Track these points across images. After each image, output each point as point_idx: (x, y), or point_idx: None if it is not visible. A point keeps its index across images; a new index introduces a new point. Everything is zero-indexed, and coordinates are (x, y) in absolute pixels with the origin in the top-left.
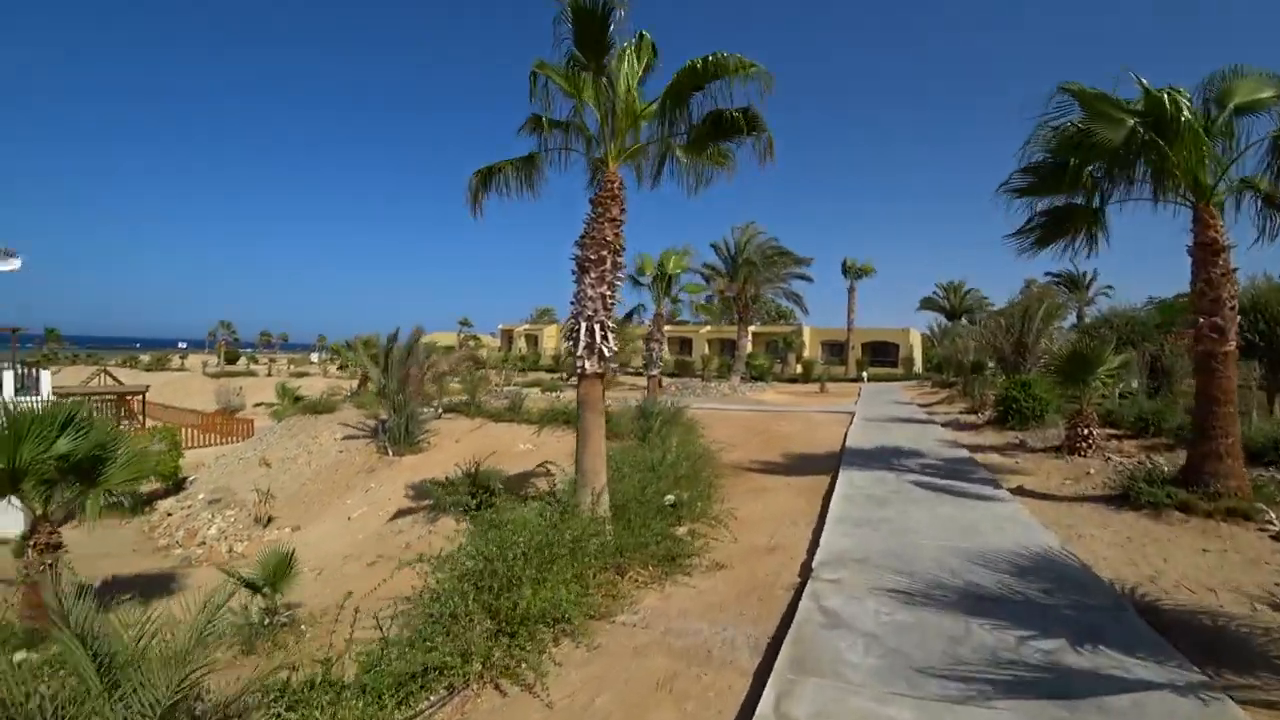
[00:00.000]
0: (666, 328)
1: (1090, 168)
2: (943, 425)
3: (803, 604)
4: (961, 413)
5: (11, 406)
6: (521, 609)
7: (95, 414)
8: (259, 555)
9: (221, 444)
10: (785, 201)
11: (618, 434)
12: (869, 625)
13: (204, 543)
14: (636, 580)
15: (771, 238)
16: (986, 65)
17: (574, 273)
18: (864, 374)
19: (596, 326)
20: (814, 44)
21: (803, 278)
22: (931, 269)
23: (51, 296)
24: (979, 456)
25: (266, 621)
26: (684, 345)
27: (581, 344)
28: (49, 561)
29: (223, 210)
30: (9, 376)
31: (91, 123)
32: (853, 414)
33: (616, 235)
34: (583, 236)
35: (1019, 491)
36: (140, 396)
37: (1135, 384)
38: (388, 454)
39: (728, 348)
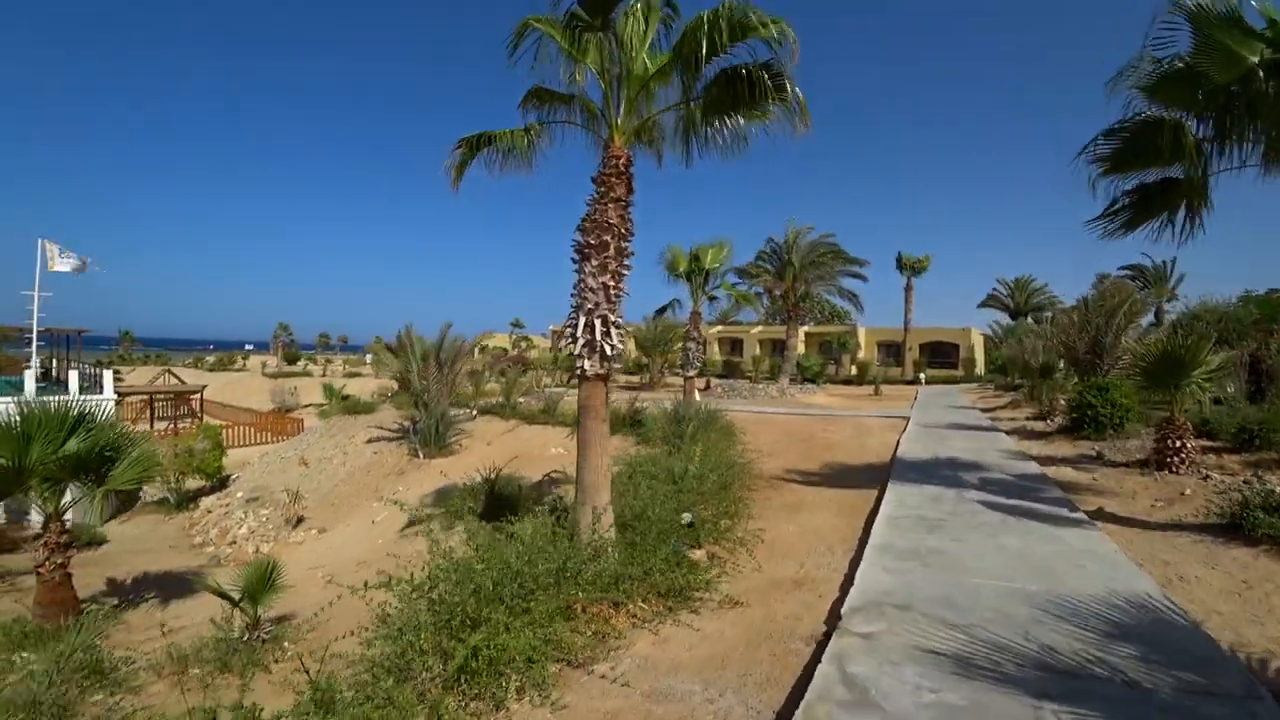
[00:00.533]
0: (717, 328)
1: (1197, 123)
2: (1007, 433)
3: (822, 668)
4: (1028, 419)
5: (27, 405)
6: (485, 652)
7: (111, 414)
8: (245, 571)
9: (273, 442)
10: (838, 195)
11: (649, 440)
12: (905, 706)
13: (234, 542)
14: (634, 616)
15: (824, 234)
16: (1060, 37)
17: (573, 260)
18: (921, 376)
19: (597, 322)
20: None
21: (857, 276)
22: (993, 265)
23: (130, 300)
24: (1050, 471)
25: (246, 637)
26: (735, 346)
27: (580, 341)
28: (59, 561)
29: (296, 213)
30: (74, 376)
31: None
32: (907, 419)
33: (622, 218)
34: (584, 220)
35: (1100, 516)
36: (198, 395)
37: (1230, 388)
38: (418, 456)
39: (779, 348)
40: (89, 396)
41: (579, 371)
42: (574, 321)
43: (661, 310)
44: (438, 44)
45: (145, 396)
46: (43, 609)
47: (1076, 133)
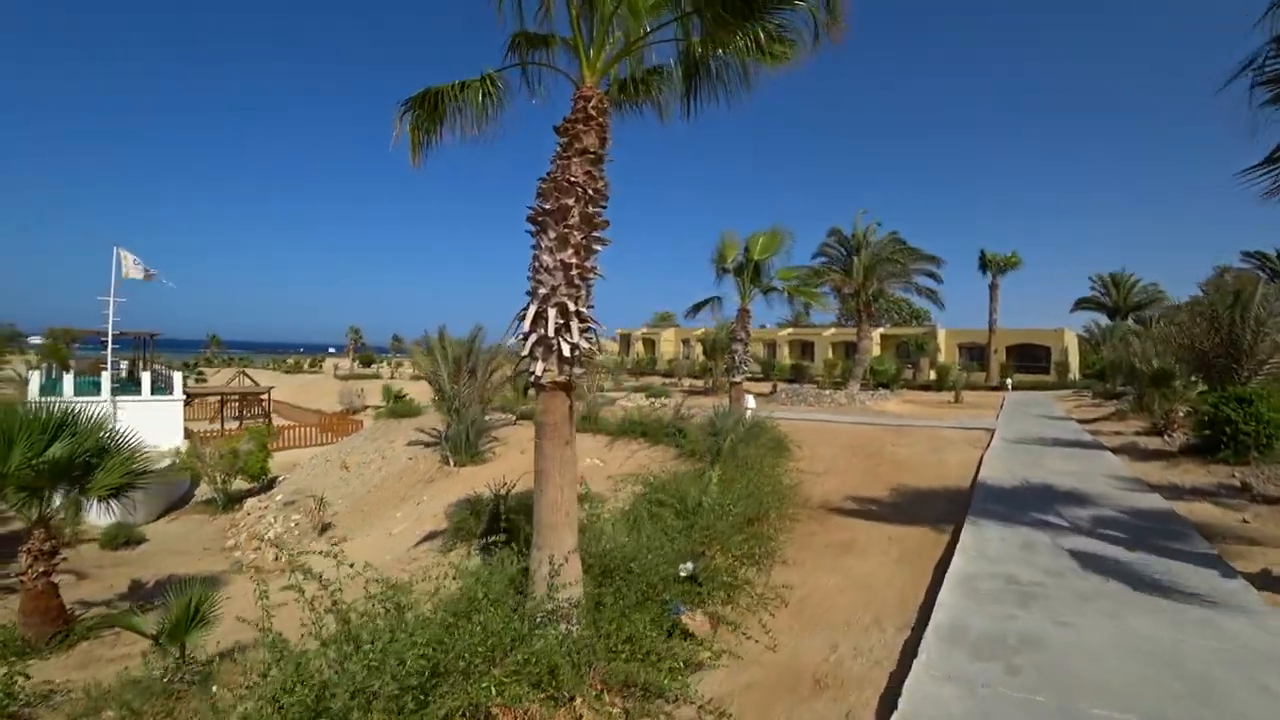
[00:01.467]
0: (787, 330)
1: None
2: (1115, 452)
3: None
4: (1139, 434)
5: (15, 407)
6: None
7: (103, 416)
8: (172, 604)
9: (331, 443)
10: (913, 190)
11: (695, 453)
12: None
13: (259, 547)
14: None
15: (893, 232)
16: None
17: (529, 233)
18: (1008, 381)
19: (553, 311)
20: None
21: (932, 275)
22: (1088, 262)
23: (221, 304)
24: (1181, 507)
25: (167, 679)
26: (805, 349)
27: (530, 338)
28: (42, 569)
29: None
30: (146, 377)
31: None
32: (992, 432)
33: (590, 175)
34: (542, 180)
35: (1270, 582)
36: (265, 396)
37: None
38: (448, 464)
39: (852, 351)
40: (159, 397)
41: (531, 379)
42: (523, 312)
43: (698, 307)
44: None
45: (217, 397)
46: (26, 618)
47: (1201, 112)
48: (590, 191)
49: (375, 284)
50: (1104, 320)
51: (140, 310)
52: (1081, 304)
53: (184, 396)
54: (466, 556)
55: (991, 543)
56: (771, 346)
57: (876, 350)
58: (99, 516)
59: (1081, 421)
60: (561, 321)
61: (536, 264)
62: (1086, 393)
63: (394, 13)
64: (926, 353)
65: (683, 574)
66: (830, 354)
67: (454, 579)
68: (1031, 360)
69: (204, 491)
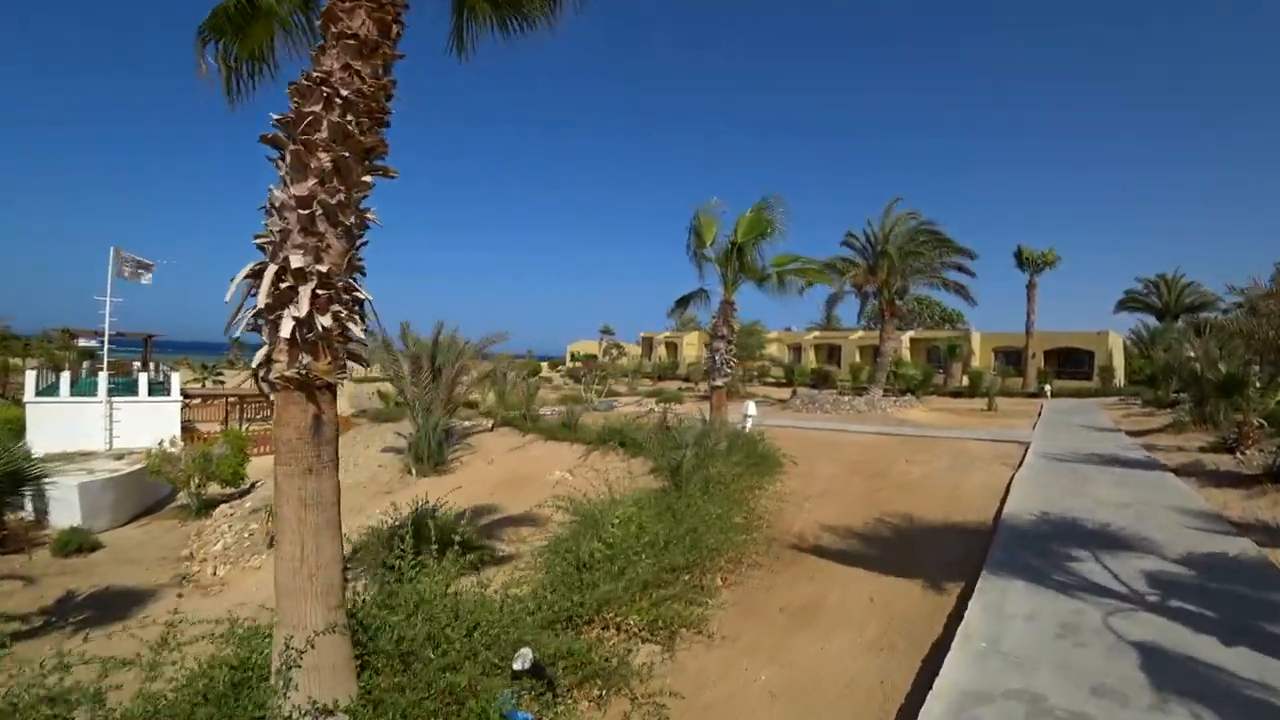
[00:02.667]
0: (813, 334)
1: None
2: (1178, 474)
3: None
4: (1203, 450)
5: None
6: None
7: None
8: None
9: None
10: (944, 184)
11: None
12: None
13: (206, 559)
14: None
15: (923, 221)
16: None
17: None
18: (1046, 387)
19: (272, 270)
20: None
21: (963, 270)
22: (1133, 263)
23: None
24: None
25: None
26: (832, 353)
27: (248, 307)
28: None
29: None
30: (144, 379)
31: None
32: (1026, 446)
33: (355, 73)
34: (290, 86)
35: None
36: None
37: None
38: (411, 474)
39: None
40: (157, 398)
41: (257, 374)
42: (253, 276)
43: (684, 301)
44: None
45: (221, 399)
46: None
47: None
48: (350, 95)
49: (416, 281)
50: (1152, 322)
51: (169, 311)
52: (1126, 303)
53: (182, 398)
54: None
55: (1013, 622)
56: (797, 350)
57: (906, 354)
58: (60, 519)
59: (1132, 434)
60: (288, 285)
61: (270, 204)
62: (1135, 400)
63: None
64: (959, 357)
65: (517, 668)
66: (857, 358)
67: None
68: (1073, 365)
69: (182, 496)
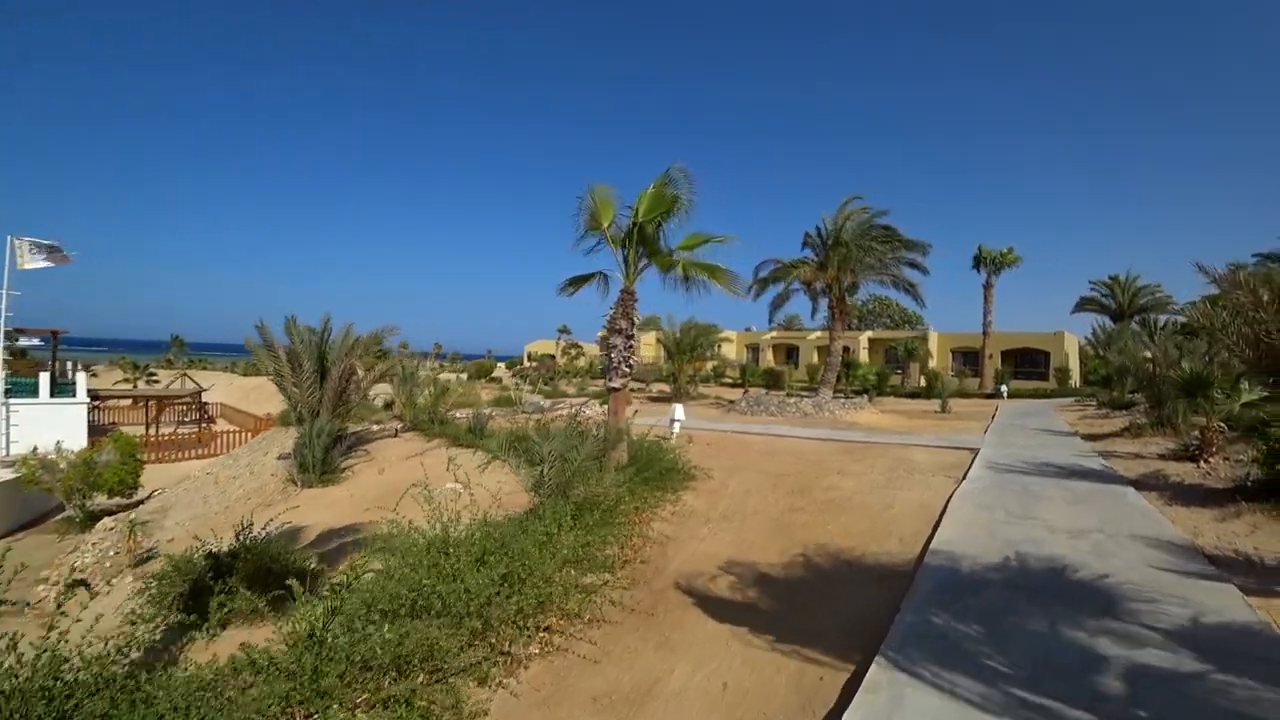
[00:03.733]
0: (771, 333)
1: None
2: (1138, 487)
3: None
4: (1164, 458)
5: None
6: None
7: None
8: None
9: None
10: (900, 182)
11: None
12: None
13: (56, 582)
14: None
15: (877, 212)
16: None
17: None
18: (1003, 388)
19: None
20: None
21: (916, 266)
22: (1090, 264)
23: (205, 305)
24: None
25: None
26: (790, 353)
27: None
28: None
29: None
30: (44, 378)
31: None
32: (975, 453)
33: None
34: None
35: None
36: (189, 399)
37: None
38: (295, 485)
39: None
40: (61, 399)
41: None
42: None
43: (576, 281)
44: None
45: (142, 399)
46: None
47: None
48: None
49: (373, 285)
50: (1108, 323)
51: (119, 312)
52: (1083, 306)
53: (90, 399)
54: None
55: None
56: (755, 350)
57: (864, 355)
58: None
59: (1088, 438)
60: None
61: None
62: (1091, 402)
63: None
64: (917, 357)
65: None
66: (815, 358)
67: None
68: (1030, 365)
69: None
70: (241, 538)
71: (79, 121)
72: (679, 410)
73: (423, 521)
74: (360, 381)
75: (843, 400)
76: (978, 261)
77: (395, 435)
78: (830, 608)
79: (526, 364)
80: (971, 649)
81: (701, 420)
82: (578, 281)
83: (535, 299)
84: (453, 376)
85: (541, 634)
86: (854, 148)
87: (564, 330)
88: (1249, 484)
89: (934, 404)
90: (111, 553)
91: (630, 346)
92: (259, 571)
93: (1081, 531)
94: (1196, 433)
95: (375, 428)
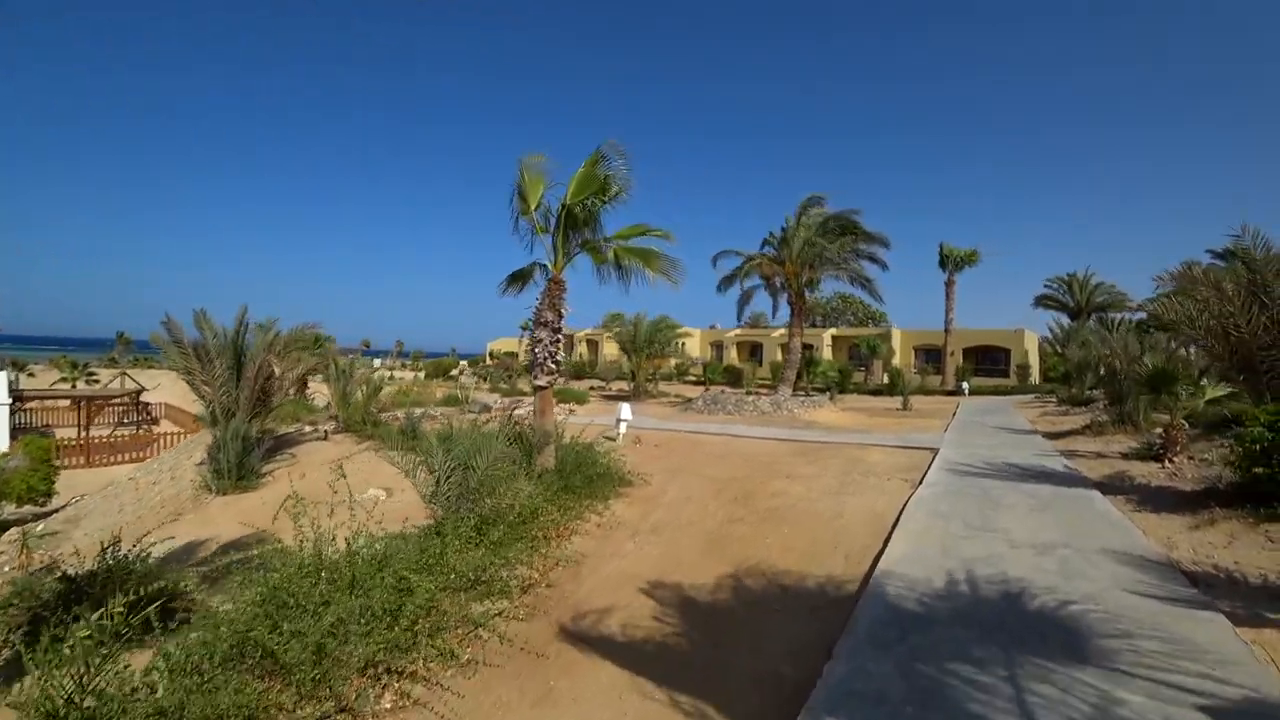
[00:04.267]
0: (735, 331)
1: None
2: (1104, 490)
3: None
4: (1127, 457)
5: None
6: None
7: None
8: None
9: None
10: (861, 180)
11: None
12: None
13: None
14: None
15: (842, 211)
16: None
17: None
18: (964, 385)
19: None
20: None
21: (876, 260)
22: (1050, 262)
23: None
24: (1270, 641)
25: None
26: (754, 351)
27: None
28: None
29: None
30: None
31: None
32: (934, 453)
33: None
34: None
35: None
36: (124, 399)
37: None
38: (211, 491)
39: (806, 351)
40: None
41: None
42: None
43: (516, 277)
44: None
45: (78, 400)
46: None
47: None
48: None
49: (374, 285)
50: (1067, 320)
51: (119, 313)
52: (1041, 303)
53: (10, 400)
54: None
55: None
56: (720, 347)
57: (828, 353)
58: None
59: (1049, 436)
60: None
61: None
62: (1051, 398)
63: None
64: (879, 355)
65: None
66: (779, 356)
67: None
68: (990, 363)
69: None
70: (107, 557)
71: (78, 121)
72: (625, 410)
73: (331, 535)
74: (281, 380)
75: (803, 398)
76: (941, 260)
77: (325, 438)
78: (753, 646)
79: (488, 362)
80: (913, 716)
81: (656, 419)
82: (518, 278)
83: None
84: (410, 375)
85: (403, 681)
86: (854, 148)
87: (526, 327)
88: (1220, 486)
89: (896, 401)
90: (5, 568)
91: (557, 341)
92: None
93: (1046, 546)
94: (1160, 431)
95: (308, 429)
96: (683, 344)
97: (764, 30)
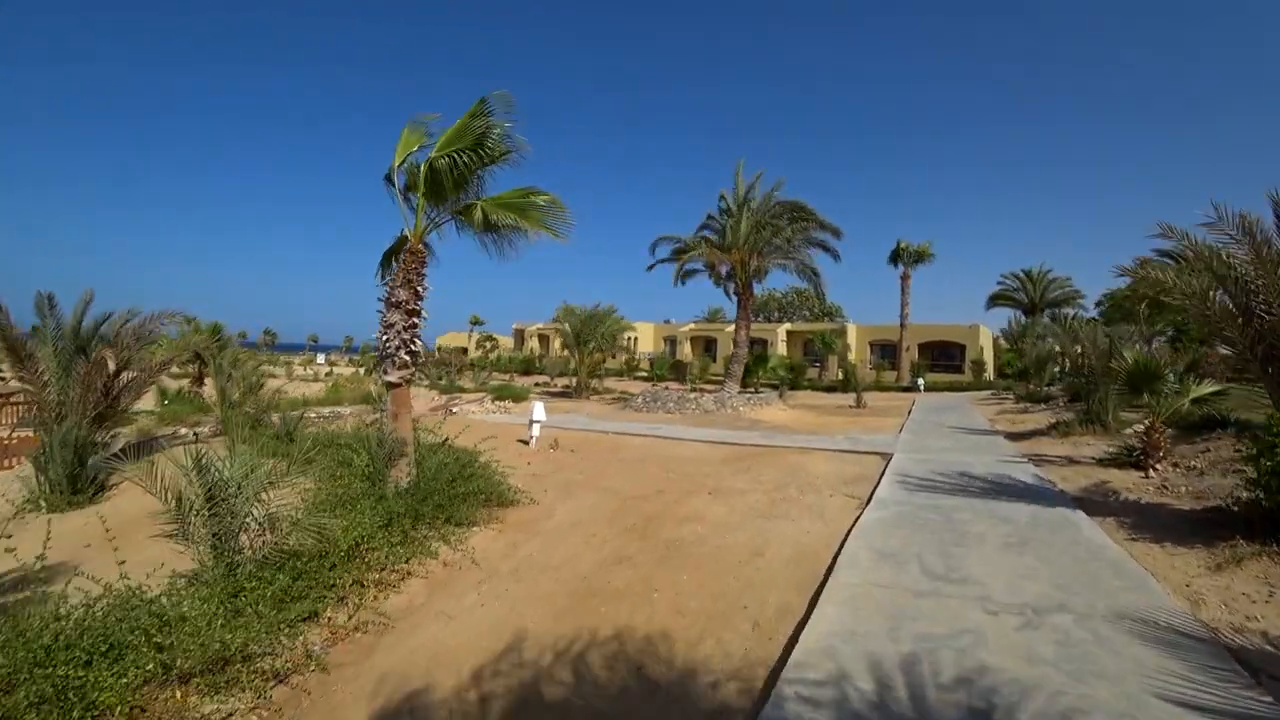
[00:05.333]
0: (689, 326)
1: None
2: (1088, 510)
3: None
4: (1104, 464)
5: None
6: None
7: None
8: None
9: None
10: (814, 174)
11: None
12: None
13: None
14: None
15: (781, 189)
16: None
17: None
18: (920, 381)
19: None
20: None
21: (826, 249)
22: (1005, 258)
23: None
24: None
25: None
26: (709, 346)
27: None
28: None
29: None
30: None
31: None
32: (887, 460)
33: None
34: None
35: None
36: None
37: None
38: (42, 507)
39: (758, 347)
40: None
41: None
42: None
43: (388, 256)
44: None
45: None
46: None
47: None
48: None
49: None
50: (1022, 316)
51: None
52: (997, 300)
53: None
54: None
55: None
56: (672, 342)
57: (783, 348)
58: None
59: (1012, 438)
60: None
61: None
62: (1008, 395)
63: None
64: (835, 350)
65: None
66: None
67: None
68: (946, 358)
69: None
70: None
71: (79, 121)
72: (539, 409)
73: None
74: (135, 378)
75: (750, 396)
76: (896, 255)
77: (196, 440)
78: None
79: (436, 355)
80: None
81: (589, 418)
82: (389, 256)
83: (453, 291)
84: (347, 371)
85: None
86: (856, 147)
87: (476, 321)
88: (1233, 508)
89: (849, 398)
90: None
91: (413, 326)
92: None
93: (1037, 610)
94: (1135, 432)
95: (184, 431)
96: (634, 338)
97: (765, 30)
